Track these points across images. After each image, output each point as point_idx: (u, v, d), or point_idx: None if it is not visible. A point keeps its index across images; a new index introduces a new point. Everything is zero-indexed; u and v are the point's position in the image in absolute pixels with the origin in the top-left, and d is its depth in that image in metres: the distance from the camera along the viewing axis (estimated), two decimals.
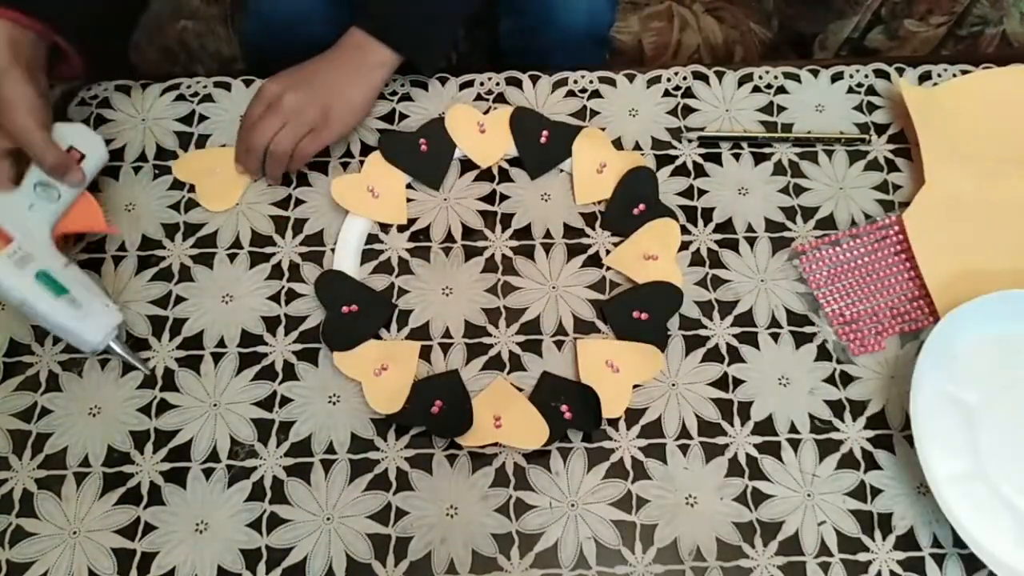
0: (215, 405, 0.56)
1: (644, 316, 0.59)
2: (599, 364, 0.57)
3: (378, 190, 0.63)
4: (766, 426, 0.57)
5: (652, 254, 0.61)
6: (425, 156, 0.65)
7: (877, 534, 0.54)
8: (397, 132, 0.65)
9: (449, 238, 0.63)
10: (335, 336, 0.58)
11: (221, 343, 0.58)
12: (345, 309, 0.58)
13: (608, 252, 0.62)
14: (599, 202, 0.65)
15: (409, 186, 0.65)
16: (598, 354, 0.58)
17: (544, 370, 0.58)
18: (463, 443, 0.54)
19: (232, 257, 0.61)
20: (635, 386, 0.57)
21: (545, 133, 0.66)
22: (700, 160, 0.66)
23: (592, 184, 0.65)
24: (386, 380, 0.56)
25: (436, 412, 0.55)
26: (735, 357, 0.59)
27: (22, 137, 0.52)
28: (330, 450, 0.55)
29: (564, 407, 0.55)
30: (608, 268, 0.62)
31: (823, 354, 0.59)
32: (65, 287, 0.52)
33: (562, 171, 0.66)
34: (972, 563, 0.53)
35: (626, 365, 0.57)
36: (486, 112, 0.67)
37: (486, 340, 0.59)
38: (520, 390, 0.57)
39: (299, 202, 0.64)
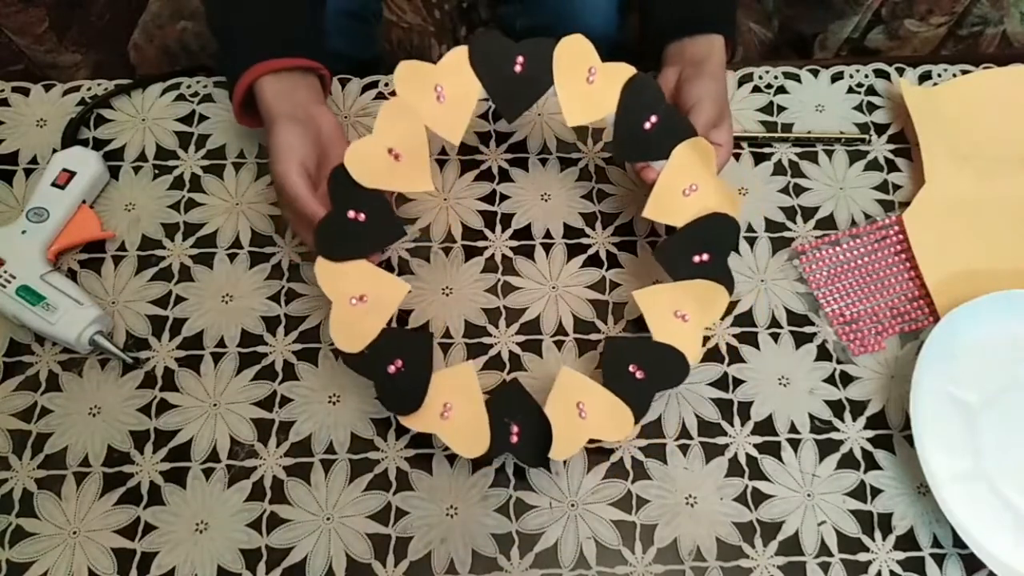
0: (215, 405, 0.56)
1: (640, 375, 0.54)
2: (570, 402, 0.52)
3: (446, 93, 0.53)
4: (766, 426, 0.57)
5: (684, 314, 0.55)
6: (516, 79, 0.54)
7: (877, 534, 0.54)
8: (497, 34, 0.55)
9: (449, 238, 0.63)
10: (330, 240, 0.52)
11: (221, 343, 0.58)
12: (352, 214, 0.52)
13: (608, 252, 0.62)
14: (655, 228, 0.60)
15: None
16: (572, 392, 0.53)
17: (515, 377, 0.56)
18: (403, 421, 0.52)
19: (232, 257, 0.61)
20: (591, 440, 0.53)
21: (654, 118, 0.56)
22: None
23: (671, 205, 0.56)
24: (357, 312, 0.52)
25: (393, 372, 0.51)
26: (735, 357, 0.59)
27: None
28: (330, 450, 0.55)
29: (515, 428, 0.52)
30: (609, 268, 0.62)
31: (823, 354, 0.59)
32: (42, 295, 0.55)
33: (650, 167, 0.57)
34: (972, 563, 0.53)
35: (594, 415, 0.53)
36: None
37: (486, 340, 0.59)
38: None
39: None
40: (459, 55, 0.54)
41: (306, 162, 0.53)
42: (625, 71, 0.55)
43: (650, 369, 0.54)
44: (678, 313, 0.55)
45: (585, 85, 0.55)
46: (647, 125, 0.56)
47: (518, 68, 0.54)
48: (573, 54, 0.55)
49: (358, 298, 0.52)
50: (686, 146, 0.56)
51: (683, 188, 0.56)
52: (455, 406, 0.52)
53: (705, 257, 0.55)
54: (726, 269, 0.56)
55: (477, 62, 0.54)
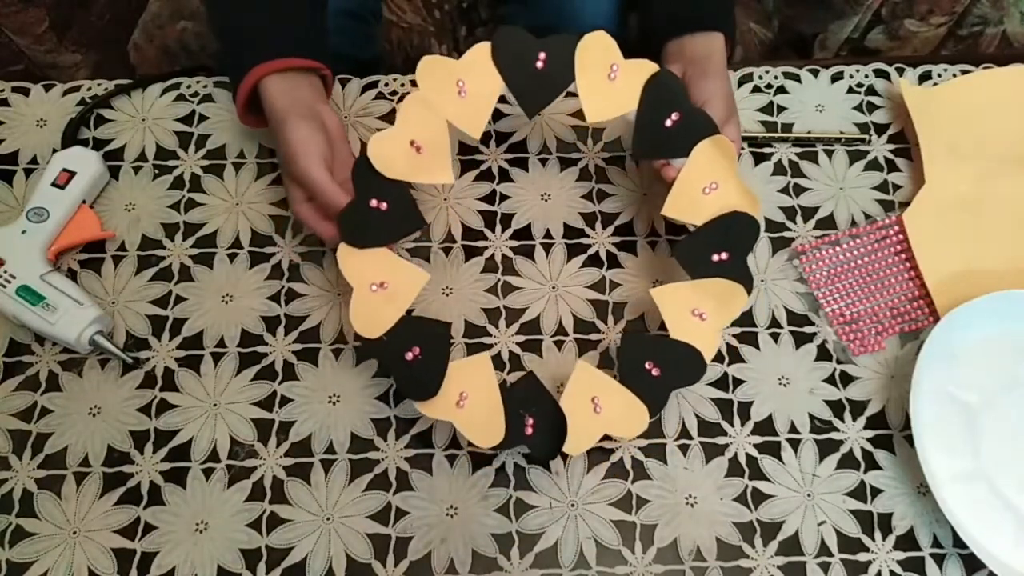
0: (215, 405, 0.56)
1: (656, 372, 0.53)
2: (585, 397, 0.53)
3: (468, 88, 0.54)
4: (766, 426, 0.57)
5: (701, 312, 0.54)
6: (537, 75, 0.55)
7: (877, 534, 0.54)
8: (520, 31, 0.55)
9: (449, 238, 0.63)
10: (353, 226, 0.53)
11: (221, 343, 0.58)
12: (375, 202, 0.53)
13: (608, 252, 0.62)
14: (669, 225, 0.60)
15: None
16: (588, 387, 0.53)
17: (531, 370, 0.56)
18: (419, 408, 0.52)
19: (232, 257, 0.61)
20: (605, 437, 0.53)
21: (675, 115, 0.55)
22: None
23: (691, 203, 0.56)
24: (377, 299, 0.52)
25: (410, 360, 0.52)
26: (735, 357, 0.59)
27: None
28: (330, 450, 0.55)
29: (530, 420, 0.52)
30: (609, 268, 0.62)
31: (823, 354, 0.59)
32: (42, 295, 0.55)
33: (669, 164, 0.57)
34: (972, 563, 0.53)
35: (609, 410, 0.53)
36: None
37: (486, 340, 0.59)
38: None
39: None
40: (482, 51, 0.54)
41: (324, 155, 0.53)
42: (647, 68, 0.56)
43: (666, 367, 0.54)
44: (696, 311, 0.55)
45: (606, 82, 0.55)
46: (668, 122, 0.56)
47: (540, 64, 0.55)
48: (595, 50, 0.55)
49: (379, 284, 0.53)
50: (707, 144, 0.56)
51: (703, 186, 0.56)
52: (471, 395, 0.52)
53: (724, 256, 0.55)
54: (745, 268, 0.56)
55: (500, 58, 0.54)
